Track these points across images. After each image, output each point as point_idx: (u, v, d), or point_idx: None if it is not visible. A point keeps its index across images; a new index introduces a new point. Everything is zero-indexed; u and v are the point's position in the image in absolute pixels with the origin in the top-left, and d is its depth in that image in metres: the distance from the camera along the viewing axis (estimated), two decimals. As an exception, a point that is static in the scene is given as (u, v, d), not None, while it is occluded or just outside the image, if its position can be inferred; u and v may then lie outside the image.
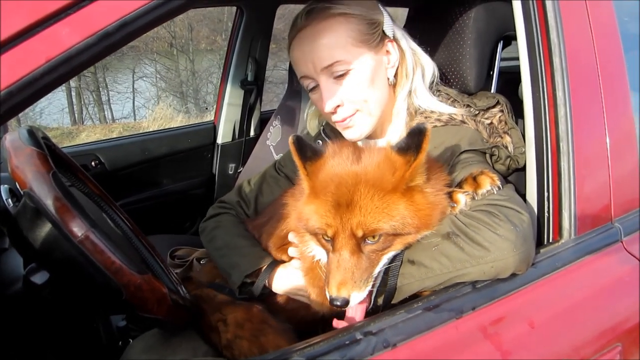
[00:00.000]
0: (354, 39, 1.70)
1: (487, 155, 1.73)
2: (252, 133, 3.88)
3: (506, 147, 1.77)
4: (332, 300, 1.28)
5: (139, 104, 12.94)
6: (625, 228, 1.60)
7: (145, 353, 1.72)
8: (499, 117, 1.85)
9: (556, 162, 1.56)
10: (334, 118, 1.78)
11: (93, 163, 3.41)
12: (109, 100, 13.00)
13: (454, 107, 1.84)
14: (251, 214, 2.10)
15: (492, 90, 2.14)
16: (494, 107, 1.87)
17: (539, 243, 1.58)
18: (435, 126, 1.78)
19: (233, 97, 3.77)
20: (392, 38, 1.80)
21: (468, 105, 1.87)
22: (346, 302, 1.27)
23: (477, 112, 1.83)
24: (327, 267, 1.35)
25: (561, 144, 1.55)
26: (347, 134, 1.82)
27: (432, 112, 1.81)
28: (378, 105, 1.78)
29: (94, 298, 1.54)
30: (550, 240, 1.55)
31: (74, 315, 1.96)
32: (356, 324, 1.25)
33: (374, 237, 1.29)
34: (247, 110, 3.81)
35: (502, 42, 2.08)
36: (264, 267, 1.78)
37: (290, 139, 1.35)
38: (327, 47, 1.68)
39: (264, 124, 3.71)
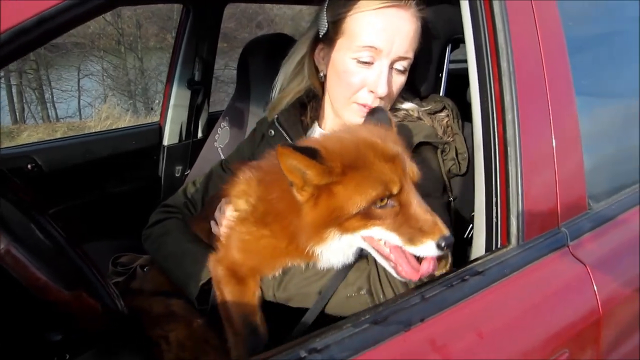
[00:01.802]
0: (416, 46, 1.79)
1: (439, 151, 1.77)
2: (199, 134, 3.76)
3: (446, 131, 1.83)
4: (442, 241, 1.25)
5: (85, 103, 12.48)
6: (571, 232, 1.60)
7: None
8: (446, 122, 1.85)
9: (504, 166, 1.54)
10: (365, 101, 1.76)
11: (29, 166, 3.21)
12: (52, 98, 12.48)
13: (407, 102, 1.90)
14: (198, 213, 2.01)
15: (442, 93, 2.13)
16: (440, 111, 1.88)
17: (488, 249, 1.56)
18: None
19: (179, 97, 3.64)
20: None
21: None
22: (453, 241, 1.27)
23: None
24: (407, 221, 1.30)
25: (509, 149, 1.53)
26: (356, 119, 1.78)
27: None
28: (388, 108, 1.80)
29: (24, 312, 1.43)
30: (499, 246, 1.54)
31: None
32: (299, 341, 1.19)
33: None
34: (194, 111, 3.69)
35: (450, 44, 2.07)
36: None
37: (280, 146, 1.27)
38: (412, 40, 1.74)
39: (212, 125, 3.60)
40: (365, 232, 1.34)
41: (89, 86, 12.61)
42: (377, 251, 1.37)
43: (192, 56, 3.54)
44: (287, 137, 1.92)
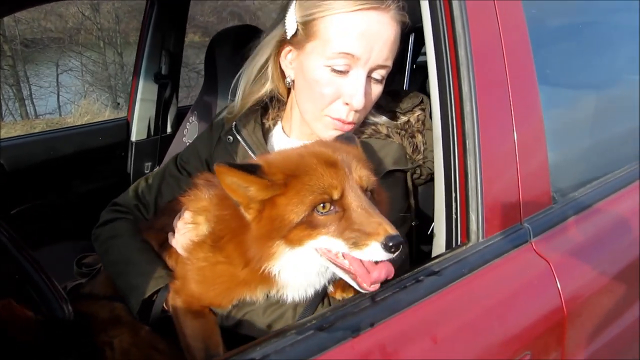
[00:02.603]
0: (395, 54, 1.67)
1: (409, 175, 1.70)
2: (168, 130, 3.67)
3: (417, 148, 1.71)
4: (389, 241, 1.17)
5: (65, 99, 12.26)
6: (534, 228, 1.53)
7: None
8: (417, 115, 1.78)
9: (462, 160, 1.47)
10: (339, 115, 1.63)
11: (-10, 164, 3.11)
12: (30, 95, 12.24)
13: (378, 115, 1.78)
14: (150, 218, 1.92)
15: (405, 86, 2.06)
16: (418, 105, 1.79)
17: (449, 247, 1.49)
18: (359, 137, 1.70)
19: (146, 92, 3.55)
20: None
21: (392, 111, 1.80)
22: (402, 241, 1.19)
23: (403, 120, 1.79)
24: (350, 225, 1.24)
25: (467, 142, 1.46)
26: (328, 134, 1.68)
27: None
28: (360, 122, 1.72)
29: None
30: (458, 243, 1.47)
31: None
32: (236, 351, 1.10)
33: (368, 193, 1.32)
34: (162, 106, 3.59)
35: (413, 34, 1.99)
36: (161, 288, 1.61)
37: (219, 165, 1.24)
38: (392, 46, 1.61)
39: (181, 120, 3.50)
40: (313, 243, 1.28)
41: (68, 82, 12.40)
42: (336, 265, 1.30)
43: (159, 49, 3.45)
44: (245, 146, 1.81)
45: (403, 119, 1.80)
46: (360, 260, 1.26)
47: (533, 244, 1.51)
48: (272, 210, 1.28)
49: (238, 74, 1.86)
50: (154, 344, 1.57)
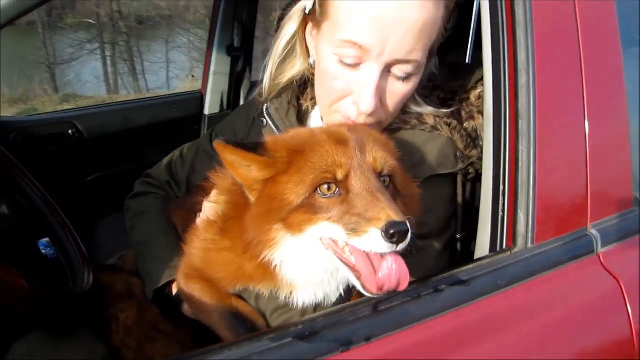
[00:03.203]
0: (435, 43, 1.35)
1: (459, 177, 1.41)
2: (241, 103, 3.58)
3: (471, 140, 1.42)
4: (390, 228, 0.97)
5: (173, 75, 12.79)
6: (605, 236, 1.21)
7: (27, 357, 1.49)
8: (480, 91, 1.48)
9: (514, 145, 1.19)
10: (348, 114, 1.38)
11: (70, 131, 3.20)
12: (143, 70, 12.92)
13: (430, 102, 1.49)
14: (182, 195, 1.82)
15: (468, 60, 1.77)
16: (480, 80, 1.50)
17: (493, 250, 1.23)
18: (400, 129, 1.46)
19: (219, 64, 3.46)
20: None
21: (454, 92, 1.53)
22: (407, 229, 0.99)
23: (463, 98, 1.50)
24: (351, 209, 1.05)
25: (520, 122, 1.18)
26: None
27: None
28: (390, 121, 1.46)
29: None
30: (502, 248, 1.19)
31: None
32: (195, 353, 0.94)
33: (385, 179, 1.13)
34: (234, 79, 3.50)
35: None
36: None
37: (219, 143, 1.12)
38: (420, 35, 1.27)
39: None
40: (314, 230, 1.10)
41: (176, 58, 12.90)
42: (342, 261, 1.10)
43: (231, 21, 3.34)
44: (277, 131, 1.61)
45: (463, 96, 1.52)
46: (367, 256, 1.06)
47: (600, 256, 1.20)
48: (273, 188, 1.13)
49: (266, 59, 1.65)
50: (157, 325, 1.51)
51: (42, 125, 3.11)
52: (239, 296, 1.35)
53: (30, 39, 13.53)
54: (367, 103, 1.31)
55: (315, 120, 1.63)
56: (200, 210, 1.56)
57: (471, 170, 1.37)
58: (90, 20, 13.45)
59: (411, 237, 1.09)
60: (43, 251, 1.90)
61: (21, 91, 10.93)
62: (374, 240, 0.99)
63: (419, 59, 1.30)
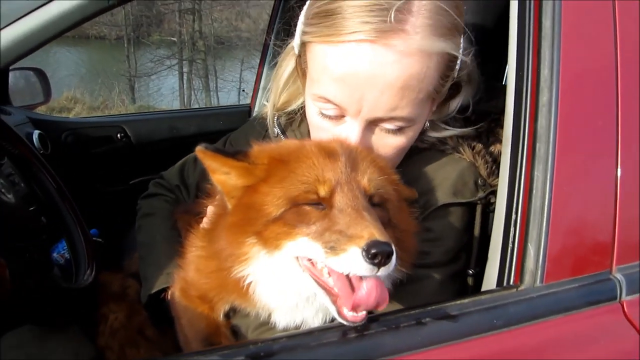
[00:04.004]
0: (427, 92, 1.19)
1: (479, 207, 1.25)
2: (288, 119, 3.56)
3: (496, 167, 1.27)
4: (372, 247, 0.87)
5: (244, 95, 13.11)
6: (631, 282, 1.04)
7: (15, 349, 1.48)
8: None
9: (529, 170, 1.05)
10: None
11: (119, 135, 3.29)
12: (216, 87, 13.36)
13: (453, 122, 1.35)
14: (190, 200, 1.78)
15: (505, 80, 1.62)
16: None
17: (499, 285, 1.08)
18: (417, 147, 1.32)
19: (269, 80, 3.46)
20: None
21: (486, 113, 1.39)
22: (391, 251, 0.88)
23: (490, 127, 1.36)
24: (332, 226, 0.96)
25: (538, 145, 1.04)
26: None
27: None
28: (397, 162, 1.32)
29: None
30: (508, 284, 1.05)
31: None
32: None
33: (377, 204, 1.03)
34: (282, 95, 3.49)
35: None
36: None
37: (198, 148, 1.07)
38: (399, 95, 1.14)
39: (300, 110, 3.37)
40: (291, 247, 1.00)
41: (249, 78, 13.23)
42: (319, 283, 0.99)
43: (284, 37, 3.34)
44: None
45: (494, 117, 1.38)
46: (348, 280, 0.94)
47: (624, 304, 1.03)
48: (251, 197, 1.05)
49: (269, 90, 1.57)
50: (143, 330, 1.48)
51: (92, 128, 3.20)
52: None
53: (116, 52, 14.38)
54: None
55: None
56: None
57: (493, 199, 1.22)
58: (173, 38, 14.12)
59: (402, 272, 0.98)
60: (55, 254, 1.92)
61: (101, 100, 11.57)
62: (353, 260, 0.89)
63: (406, 115, 1.16)
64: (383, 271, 0.88)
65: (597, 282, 1.04)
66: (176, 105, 13.07)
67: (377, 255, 0.86)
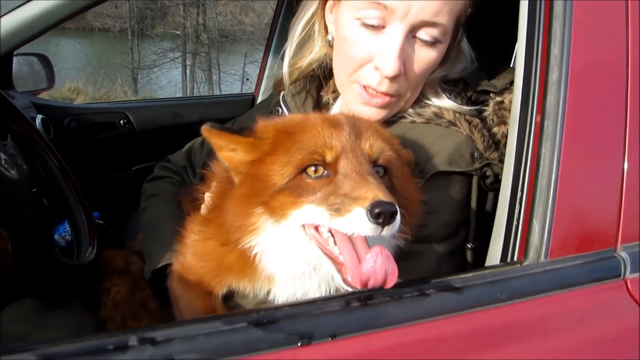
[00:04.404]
0: (461, 12, 1.29)
1: (475, 179, 1.26)
2: (292, 107, 3.55)
3: (493, 142, 1.31)
4: (375, 207, 0.88)
5: (247, 88, 13.11)
6: (635, 260, 1.04)
7: (17, 321, 1.48)
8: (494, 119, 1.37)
9: (536, 147, 1.05)
10: (369, 82, 1.30)
11: (121, 122, 3.28)
12: (219, 80, 13.35)
13: (453, 98, 1.39)
14: (196, 182, 1.79)
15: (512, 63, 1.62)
16: (508, 89, 1.38)
17: (503, 260, 1.08)
18: (414, 121, 1.37)
19: (273, 68, 3.46)
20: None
21: (486, 93, 1.42)
22: (395, 211, 0.89)
23: (497, 101, 1.37)
24: (337, 190, 0.97)
25: (546, 123, 1.04)
26: (357, 108, 1.37)
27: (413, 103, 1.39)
28: (412, 100, 1.38)
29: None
30: (512, 260, 1.05)
31: None
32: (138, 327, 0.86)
33: (379, 170, 1.04)
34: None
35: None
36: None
37: (204, 127, 1.09)
38: (445, 2, 1.23)
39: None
40: (297, 215, 1.01)
41: (252, 72, 13.22)
42: (324, 252, 1.00)
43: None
44: None
45: (497, 99, 1.39)
46: (353, 247, 0.95)
47: (628, 282, 1.02)
48: (258, 168, 1.06)
49: (286, 44, 1.59)
50: (145, 304, 1.49)
51: (95, 114, 3.20)
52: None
53: (120, 44, 14.36)
54: (391, 65, 1.22)
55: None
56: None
57: (489, 172, 1.23)
58: (177, 31, 14.10)
59: (405, 239, 0.98)
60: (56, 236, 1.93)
61: (103, 91, 11.56)
62: (357, 221, 0.90)
63: (445, 23, 1.24)
64: (387, 231, 0.89)
65: (601, 259, 1.04)
66: (179, 96, 13.07)
67: (380, 214, 0.87)
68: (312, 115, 1.12)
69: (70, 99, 10.29)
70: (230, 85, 13.19)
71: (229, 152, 1.09)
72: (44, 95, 4.01)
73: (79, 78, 11.72)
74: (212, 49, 13.02)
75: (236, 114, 3.66)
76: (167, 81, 13.37)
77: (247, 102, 3.59)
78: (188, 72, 13.20)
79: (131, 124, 3.31)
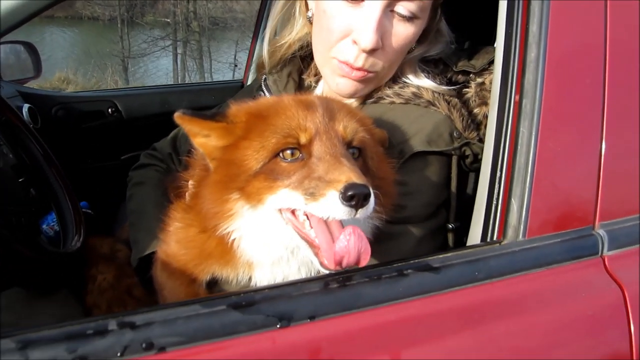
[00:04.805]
0: None
1: (454, 159, 1.26)
2: (280, 94, 3.54)
3: (473, 122, 1.32)
4: (349, 190, 0.89)
5: (239, 76, 13.00)
6: (613, 238, 1.05)
7: (4, 310, 1.48)
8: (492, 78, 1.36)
9: (515, 127, 1.05)
10: (346, 57, 1.30)
11: (110, 110, 3.25)
12: (210, 68, 13.25)
13: (432, 78, 1.39)
14: (183, 169, 1.78)
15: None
16: (487, 69, 1.38)
17: (484, 240, 1.09)
18: (393, 102, 1.37)
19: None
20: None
21: (466, 74, 1.42)
22: (368, 193, 0.90)
23: (477, 82, 1.38)
24: (311, 173, 0.97)
25: (524, 102, 1.04)
26: (335, 82, 1.37)
27: (392, 83, 1.40)
28: (388, 76, 1.39)
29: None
30: (491, 239, 1.06)
31: None
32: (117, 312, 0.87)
33: (354, 152, 1.05)
34: (277, 71, 3.46)
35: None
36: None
37: (177, 114, 1.06)
38: None
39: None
40: (273, 200, 1.01)
41: (243, 59, 13.07)
42: (301, 236, 1.00)
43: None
44: None
45: (478, 80, 1.39)
46: (328, 230, 0.96)
47: (606, 259, 1.04)
48: (232, 154, 1.06)
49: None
50: (131, 291, 1.50)
51: (83, 102, 3.17)
52: None
53: (109, 33, 14.21)
54: (368, 38, 1.23)
55: None
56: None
57: (468, 152, 1.24)
58: (167, 19, 13.96)
59: (384, 220, 0.99)
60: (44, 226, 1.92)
61: (94, 81, 11.47)
62: (331, 204, 0.90)
63: None
64: (361, 213, 0.90)
65: (579, 237, 1.04)
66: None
67: (353, 197, 0.88)
68: (284, 97, 1.13)
69: (60, 89, 10.21)
70: (222, 73, 13.08)
71: (202, 138, 1.09)
72: (32, 85, 3.97)
73: (69, 67, 11.62)
74: (202, 37, 12.89)
75: (225, 101, 3.66)
76: (158, 70, 13.25)
77: (236, 89, 3.56)
78: (179, 60, 13.08)
79: (119, 113, 3.28)
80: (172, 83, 12.98)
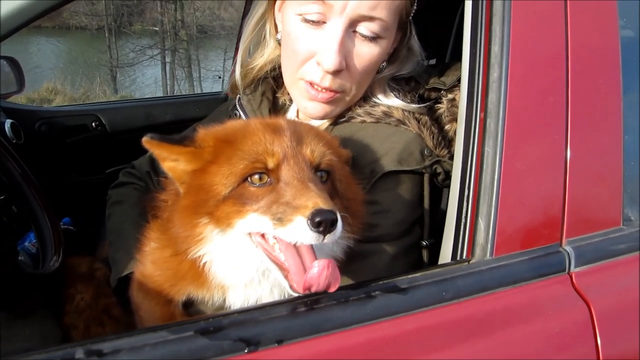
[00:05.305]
0: (401, 9, 1.32)
1: (426, 177, 1.28)
2: (264, 107, 3.54)
3: (444, 139, 1.34)
4: (316, 216, 0.90)
5: (225, 86, 12.97)
6: (580, 254, 1.06)
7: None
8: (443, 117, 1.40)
9: (480, 145, 1.07)
10: (312, 78, 1.32)
11: (93, 124, 3.24)
12: (199, 76, 13.27)
13: (402, 97, 1.41)
14: (160, 189, 1.79)
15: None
16: (456, 86, 1.40)
17: (454, 258, 1.10)
18: (364, 121, 1.39)
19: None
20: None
21: (437, 90, 1.44)
22: (335, 219, 0.91)
23: (448, 99, 1.40)
24: (279, 198, 0.98)
25: (488, 121, 1.06)
26: (304, 105, 1.39)
27: (363, 102, 1.41)
28: (358, 96, 1.40)
29: None
30: (461, 258, 1.07)
31: None
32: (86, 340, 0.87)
33: (322, 175, 1.06)
34: (260, 83, 3.47)
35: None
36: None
37: (145, 139, 1.08)
38: None
39: (278, 99, 3.36)
40: (242, 224, 1.02)
41: (230, 68, 13.07)
42: (271, 259, 1.02)
43: (260, 23, 3.32)
44: None
45: (449, 96, 1.41)
46: (297, 254, 0.98)
47: (573, 276, 1.05)
48: (201, 179, 1.07)
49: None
50: (109, 310, 1.49)
51: (66, 117, 3.16)
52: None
53: (97, 42, 14.18)
54: (331, 59, 1.25)
55: (292, 115, 1.55)
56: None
57: (439, 169, 1.26)
58: (155, 28, 13.95)
59: (355, 240, 1.00)
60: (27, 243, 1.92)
61: (82, 91, 11.43)
62: (299, 230, 0.91)
63: (384, 17, 1.26)
64: (329, 238, 0.91)
65: (546, 254, 1.06)
66: (159, 93, 12.95)
67: (321, 223, 0.89)
68: (252, 121, 1.14)
69: (48, 100, 10.16)
70: (212, 82, 13.11)
71: (171, 162, 1.10)
72: (21, 99, 3.95)
73: (57, 78, 11.58)
74: (191, 46, 12.92)
75: (209, 113, 3.66)
76: (147, 79, 13.23)
77: (220, 101, 3.56)
78: (168, 69, 13.09)
79: (103, 126, 3.28)
80: (161, 92, 12.99)
